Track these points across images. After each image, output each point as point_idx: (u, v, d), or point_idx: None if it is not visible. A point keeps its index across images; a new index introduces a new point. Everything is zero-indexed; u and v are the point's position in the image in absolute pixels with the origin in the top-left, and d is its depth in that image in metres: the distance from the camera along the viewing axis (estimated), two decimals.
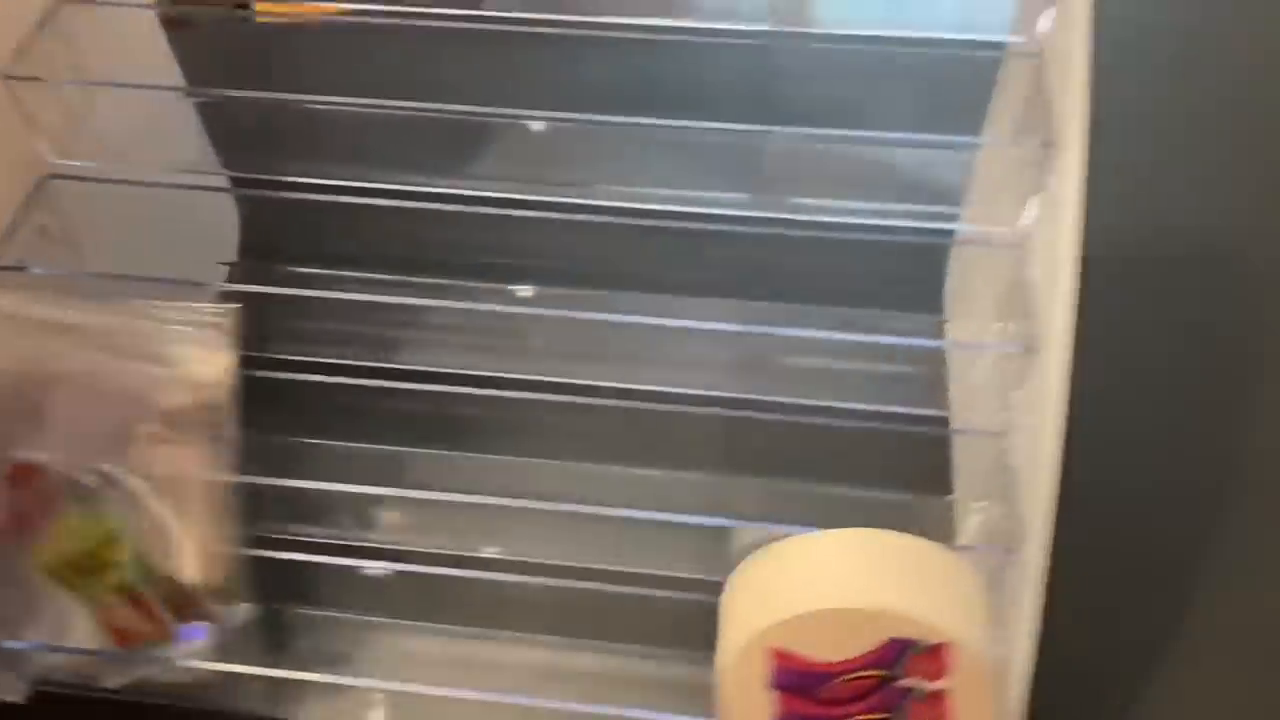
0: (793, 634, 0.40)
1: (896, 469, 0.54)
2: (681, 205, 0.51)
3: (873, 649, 0.40)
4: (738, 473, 0.53)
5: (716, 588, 0.43)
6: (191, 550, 0.45)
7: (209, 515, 0.43)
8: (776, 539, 0.43)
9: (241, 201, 0.60)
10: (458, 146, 0.55)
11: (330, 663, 0.47)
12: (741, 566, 0.43)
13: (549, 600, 0.48)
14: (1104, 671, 0.50)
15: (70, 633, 0.46)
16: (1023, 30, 0.47)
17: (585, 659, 0.49)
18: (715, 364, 0.54)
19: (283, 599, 0.47)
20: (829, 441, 0.53)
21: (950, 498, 0.53)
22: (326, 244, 0.58)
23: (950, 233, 0.57)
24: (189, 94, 0.54)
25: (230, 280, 0.60)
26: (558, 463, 0.52)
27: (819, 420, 0.53)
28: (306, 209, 0.54)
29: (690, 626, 0.48)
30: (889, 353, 0.56)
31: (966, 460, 0.51)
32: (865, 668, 0.41)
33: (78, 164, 0.49)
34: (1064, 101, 0.40)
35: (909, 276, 0.59)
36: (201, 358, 0.41)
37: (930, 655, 0.40)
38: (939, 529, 0.51)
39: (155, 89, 0.51)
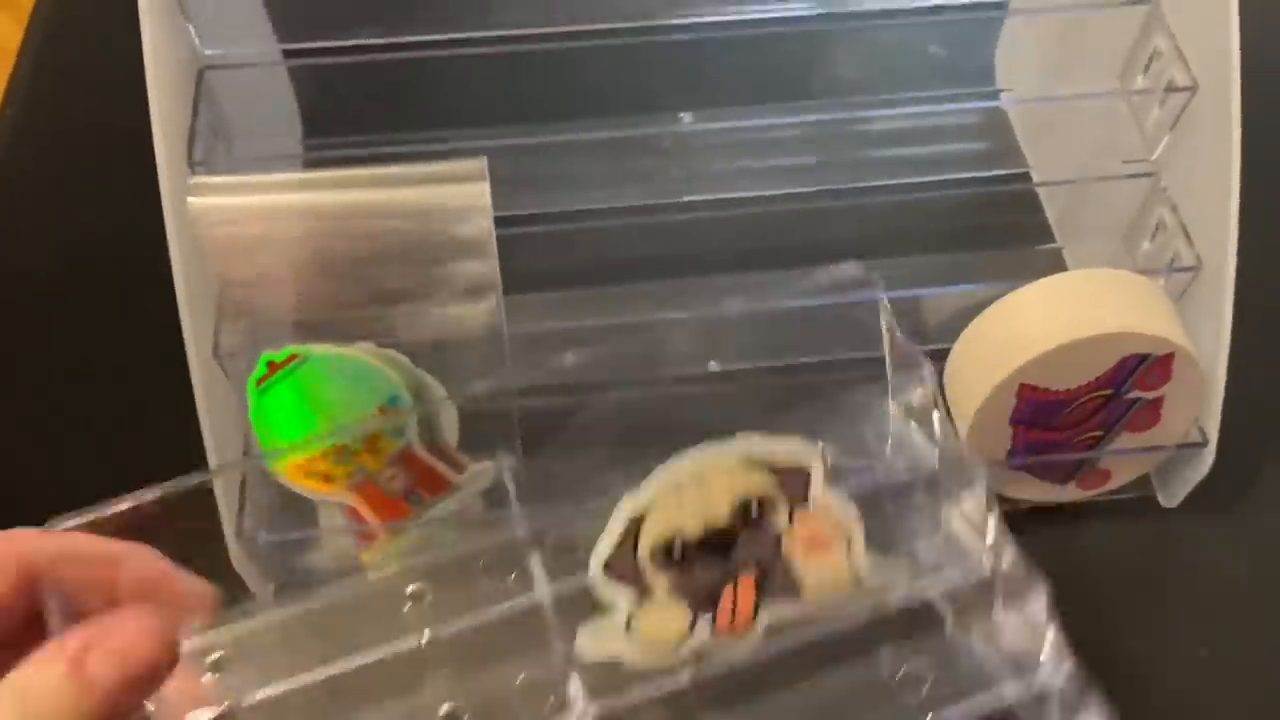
0: (1042, 369, 0.45)
1: (983, 229, 0.58)
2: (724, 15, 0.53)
3: (1108, 370, 0.46)
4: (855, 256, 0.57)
5: None
6: (452, 406, 0.46)
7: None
8: (978, 299, 0.48)
9: (300, 77, 0.59)
10: None
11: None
12: (976, 322, 0.47)
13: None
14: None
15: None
16: None
17: None
18: (800, 163, 0.56)
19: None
20: (922, 217, 0.57)
21: (1051, 246, 0.59)
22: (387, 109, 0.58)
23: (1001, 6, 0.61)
24: None
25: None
26: (703, 278, 0.55)
27: (912, 196, 0.56)
28: (358, 76, 0.53)
29: None
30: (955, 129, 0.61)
31: (1073, 207, 0.57)
32: (1098, 389, 0.46)
33: (222, 53, 0.47)
34: None
35: (955, 57, 0.64)
36: (467, 207, 0.42)
37: (1157, 367, 0.46)
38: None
39: None
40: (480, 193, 0.42)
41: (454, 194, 0.42)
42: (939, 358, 0.49)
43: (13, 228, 0.61)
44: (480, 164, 0.42)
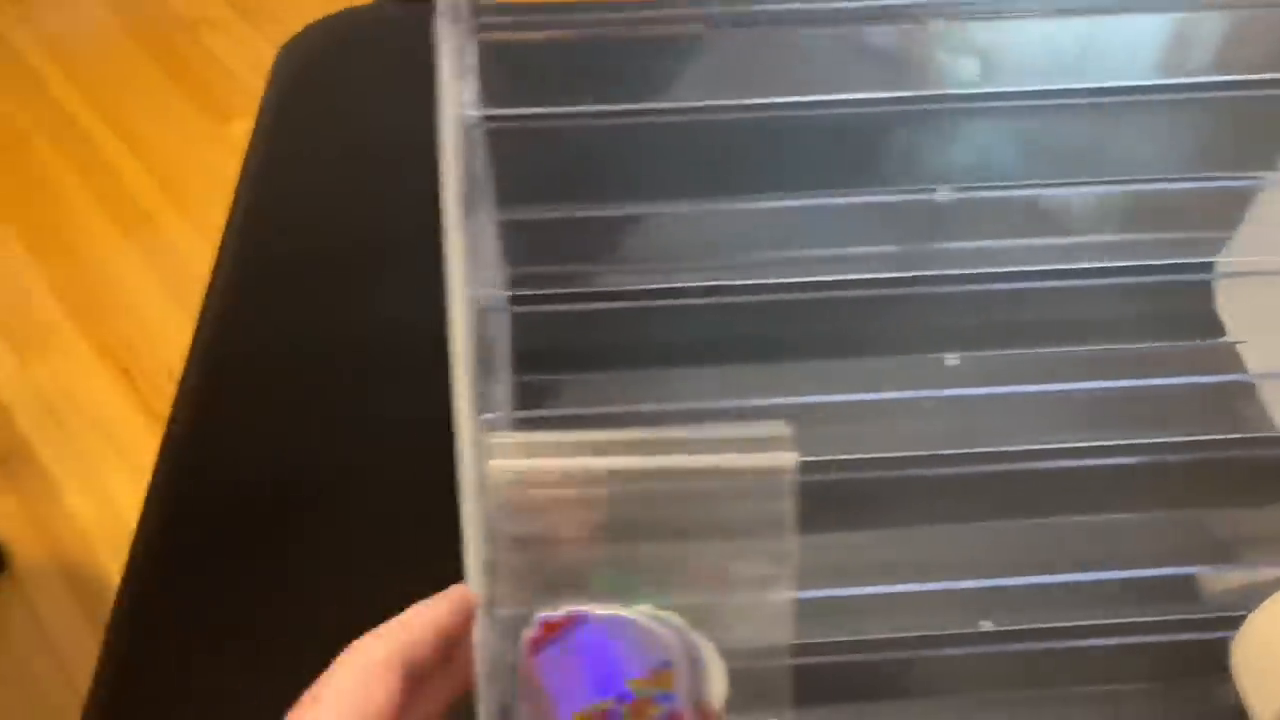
0: None
1: (1222, 487, 0.56)
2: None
3: None
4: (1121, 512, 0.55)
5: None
6: (722, 667, 0.44)
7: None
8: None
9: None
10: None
11: None
12: (1271, 606, 0.45)
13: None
14: None
15: None
16: None
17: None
18: (1049, 413, 0.55)
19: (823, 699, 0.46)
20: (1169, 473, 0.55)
21: None
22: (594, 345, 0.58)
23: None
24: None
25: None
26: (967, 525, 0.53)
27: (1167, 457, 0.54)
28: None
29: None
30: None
31: None
32: None
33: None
34: None
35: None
36: (766, 469, 0.40)
37: None
38: None
39: None
40: (786, 462, 0.40)
41: (757, 463, 0.41)
42: (1219, 626, 0.47)
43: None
44: (786, 430, 0.41)
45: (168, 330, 1.66)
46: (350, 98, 0.76)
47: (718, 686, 0.44)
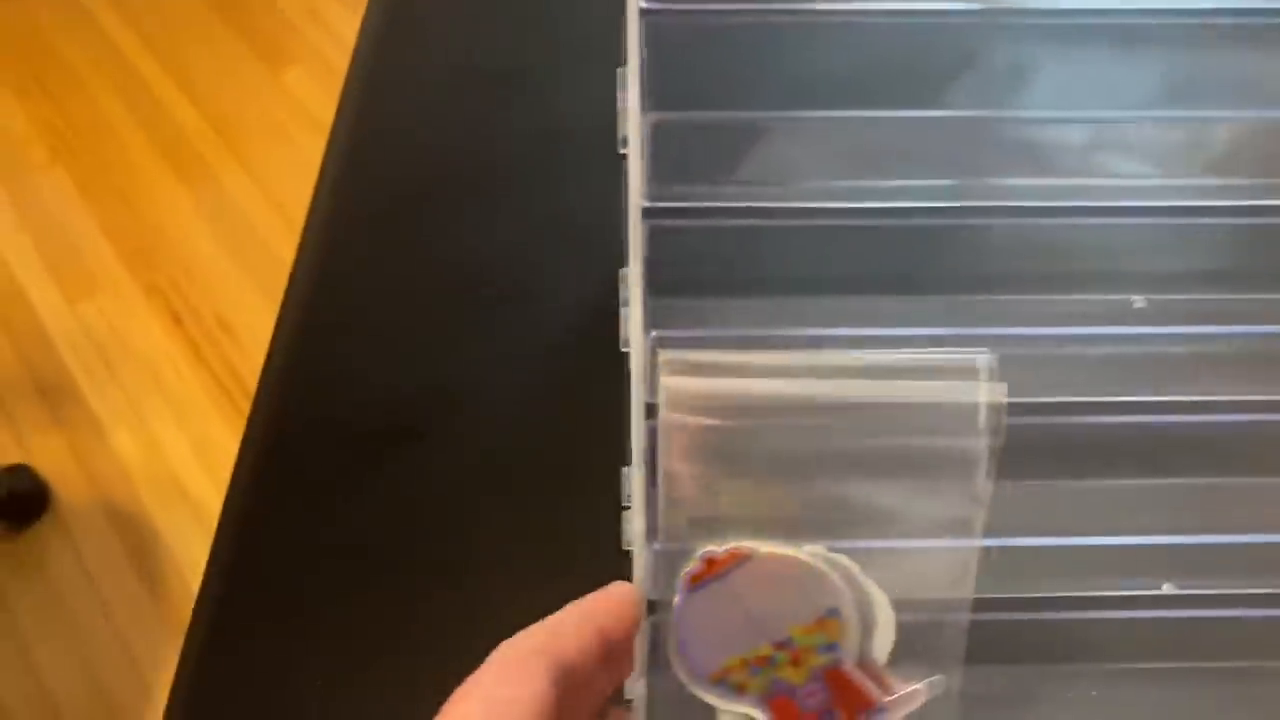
0: None
1: None
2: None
3: None
4: None
5: None
6: (891, 619, 0.41)
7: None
8: None
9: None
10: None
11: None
12: None
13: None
14: None
15: None
16: None
17: None
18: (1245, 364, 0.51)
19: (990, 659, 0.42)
20: None
21: None
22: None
23: None
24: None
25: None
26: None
27: None
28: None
29: None
30: None
31: None
32: None
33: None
34: None
35: None
36: (972, 404, 0.37)
37: None
38: None
39: None
40: (995, 396, 0.37)
41: (963, 396, 0.37)
42: None
43: None
44: (990, 360, 0.37)
45: (217, 274, 1.64)
46: (449, 21, 0.73)
47: (884, 640, 0.41)
